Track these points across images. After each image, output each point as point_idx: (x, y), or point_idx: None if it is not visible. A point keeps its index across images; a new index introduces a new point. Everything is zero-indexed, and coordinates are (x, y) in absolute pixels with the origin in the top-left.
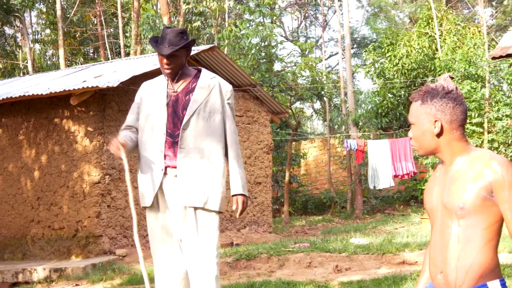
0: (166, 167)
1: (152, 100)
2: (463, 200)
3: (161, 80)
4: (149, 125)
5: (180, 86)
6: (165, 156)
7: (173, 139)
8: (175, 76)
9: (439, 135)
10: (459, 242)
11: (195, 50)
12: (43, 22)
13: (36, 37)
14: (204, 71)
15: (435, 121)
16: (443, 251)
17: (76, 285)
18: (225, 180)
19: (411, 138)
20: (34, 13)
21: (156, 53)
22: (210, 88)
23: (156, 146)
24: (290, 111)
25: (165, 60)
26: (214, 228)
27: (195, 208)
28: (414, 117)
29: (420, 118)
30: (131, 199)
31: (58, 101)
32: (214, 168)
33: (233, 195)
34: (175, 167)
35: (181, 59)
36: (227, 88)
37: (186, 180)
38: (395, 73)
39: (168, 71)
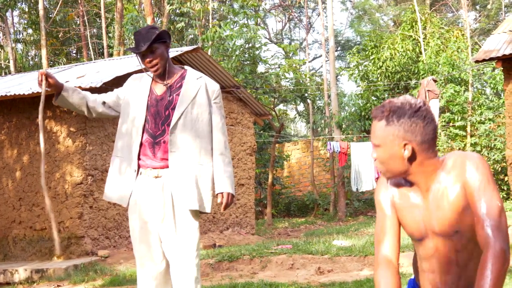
0: (146, 167)
1: (136, 98)
2: (456, 224)
3: (147, 78)
4: (126, 124)
5: (166, 84)
6: (141, 156)
7: (154, 140)
8: (164, 74)
9: (410, 158)
10: (459, 266)
11: (178, 51)
12: (25, 22)
13: (18, 36)
14: (189, 71)
15: (405, 144)
16: (443, 275)
17: (58, 286)
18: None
19: (375, 159)
20: (16, 12)
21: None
22: (197, 89)
23: (133, 147)
24: (273, 113)
25: (146, 59)
26: (194, 229)
27: (179, 209)
28: (378, 139)
29: (387, 140)
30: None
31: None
32: (205, 170)
33: (218, 193)
34: (156, 168)
35: (163, 53)
36: (214, 87)
37: (177, 184)
38: (378, 75)
39: (154, 68)
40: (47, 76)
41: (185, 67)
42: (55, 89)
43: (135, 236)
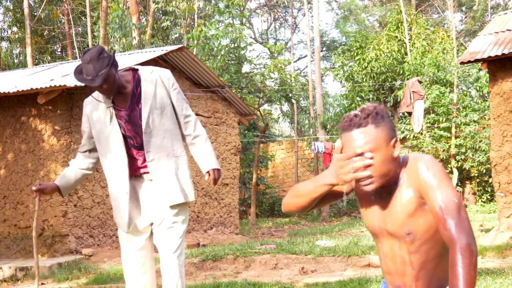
0: (143, 173)
1: (101, 121)
2: (407, 225)
3: (103, 97)
4: (104, 148)
5: (125, 98)
6: (139, 170)
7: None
8: (114, 93)
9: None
10: (413, 269)
11: (163, 50)
12: (10, 19)
13: (3, 34)
14: (141, 70)
15: (395, 141)
16: (401, 276)
17: (42, 284)
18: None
19: (369, 166)
20: (0, 10)
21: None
22: (154, 84)
23: (119, 169)
24: (258, 113)
25: (100, 89)
26: (183, 226)
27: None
28: (371, 144)
29: (381, 141)
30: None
31: (26, 100)
32: (181, 160)
33: (205, 172)
34: (148, 172)
35: (113, 76)
36: (167, 75)
37: (160, 181)
38: (363, 76)
39: (106, 94)
40: (41, 191)
41: (136, 67)
42: (53, 192)
43: (124, 238)
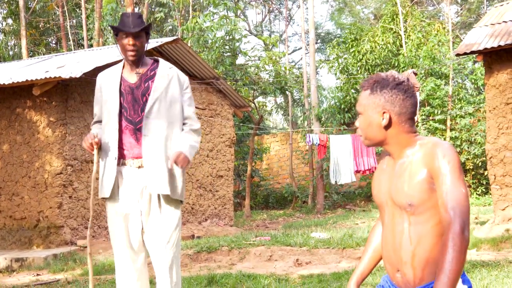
0: (127, 157)
1: (107, 88)
2: (410, 197)
3: (116, 69)
4: (105, 113)
5: (139, 72)
6: (124, 143)
7: (135, 126)
8: (138, 61)
9: (387, 127)
10: (411, 243)
11: (158, 42)
12: (5, 12)
13: None
14: (162, 61)
15: (384, 112)
16: (397, 251)
17: (37, 275)
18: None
19: (358, 127)
20: None
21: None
22: (169, 78)
23: (111, 134)
24: (252, 105)
25: (131, 41)
26: (176, 217)
27: (159, 196)
28: (361, 107)
29: (368, 108)
30: (92, 197)
31: (21, 91)
32: None
33: (176, 151)
34: (139, 157)
35: (144, 42)
36: (185, 78)
37: (151, 169)
38: (358, 68)
39: (132, 53)
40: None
41: (157, 58)
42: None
43: (116, 226)
